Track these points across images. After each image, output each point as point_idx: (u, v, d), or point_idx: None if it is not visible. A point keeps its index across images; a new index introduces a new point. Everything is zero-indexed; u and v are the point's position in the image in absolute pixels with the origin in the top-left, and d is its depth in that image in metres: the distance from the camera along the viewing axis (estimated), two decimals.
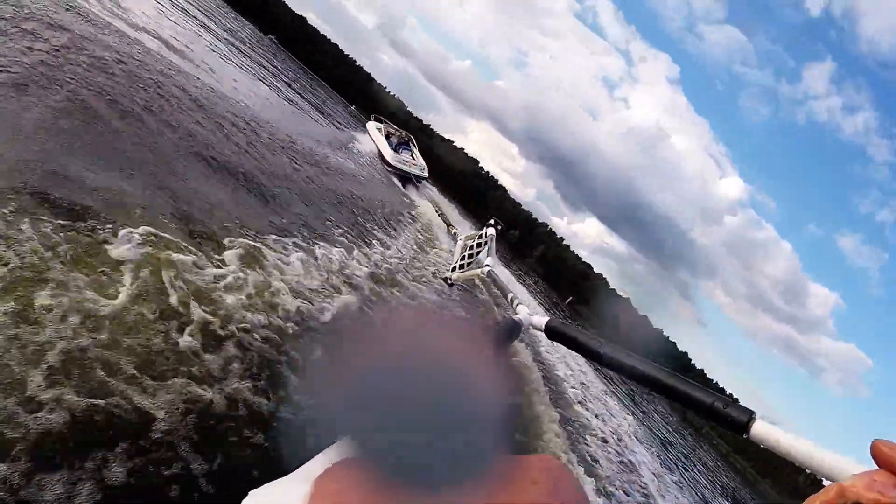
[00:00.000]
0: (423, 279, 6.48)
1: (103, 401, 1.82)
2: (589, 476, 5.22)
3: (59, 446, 1.60)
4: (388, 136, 20.00)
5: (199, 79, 6.70)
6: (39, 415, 1.62)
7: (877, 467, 0.45)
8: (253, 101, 9.06)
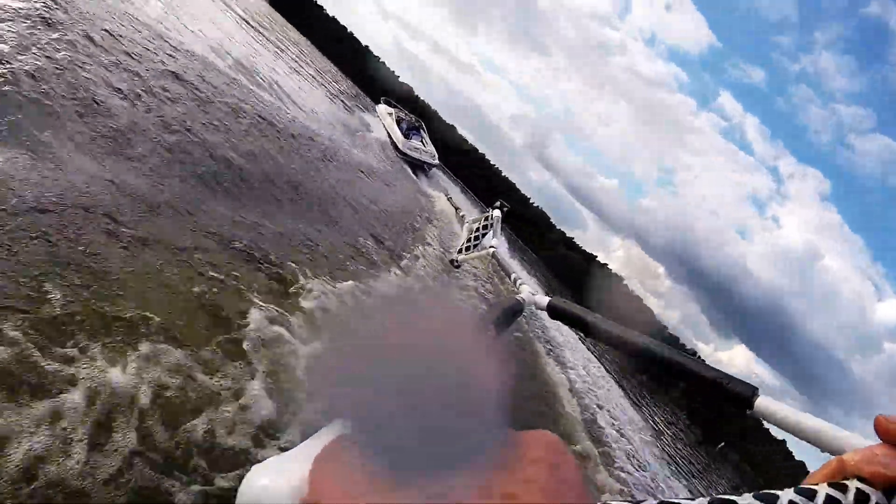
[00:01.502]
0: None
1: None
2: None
3: None
4: (398, 121, 19.68)
5: None
6: None
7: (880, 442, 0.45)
8: None
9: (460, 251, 5.25)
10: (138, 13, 6.51)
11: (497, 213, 5.30)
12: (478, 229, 5.29)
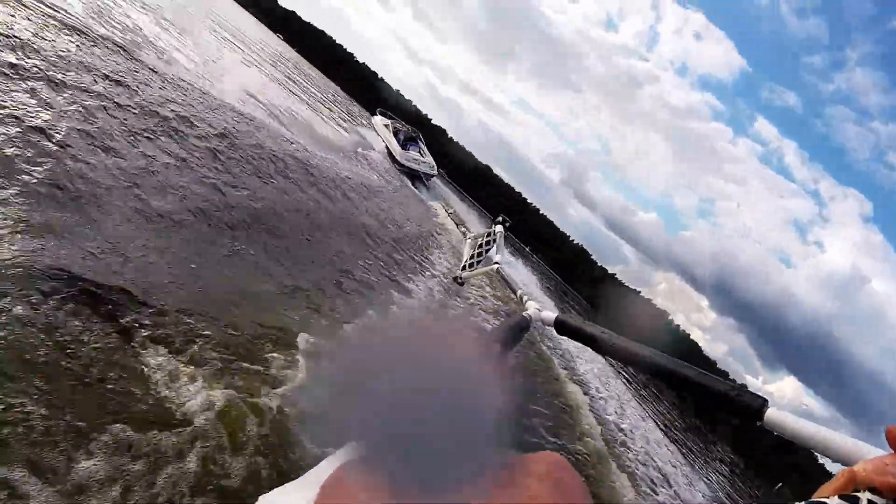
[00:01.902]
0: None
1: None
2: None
3: None
4: (395, 133, 19.61)
5: None
6: None
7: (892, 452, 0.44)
8: None
9: (464, 268, 5.23)
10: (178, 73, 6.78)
11: (500, 228, 5.30)
12: (481, 245, 5.28)
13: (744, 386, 0.94)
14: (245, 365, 2.68)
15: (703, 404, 0.99)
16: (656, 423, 12.98)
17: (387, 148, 18.34)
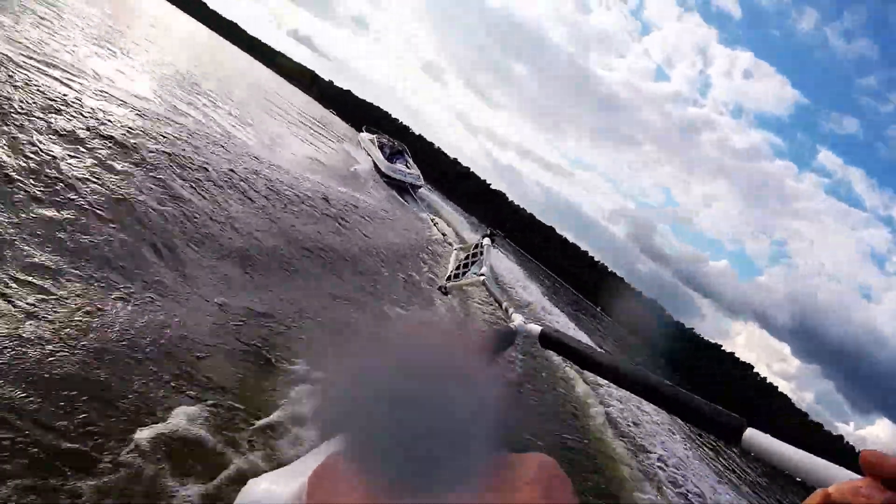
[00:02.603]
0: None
1: None
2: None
3: None
4: (381, 147, 19.86)
5: None
6: None
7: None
8: None
9: (449, 278, 5.24)
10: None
11: (487, 240, 5.34)
12: (467, 257, 5.31)
13: (722, 407, 0.96)
14: None
15: (686, 420, 1.00)
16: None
17: (373, 162, 18.56)
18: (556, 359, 7.13)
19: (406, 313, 4.61)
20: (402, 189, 17.95)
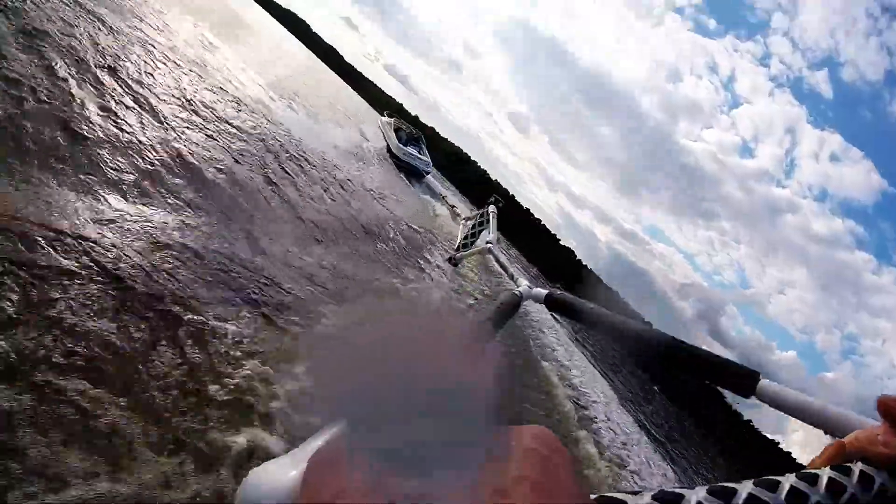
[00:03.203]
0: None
1: None
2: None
3: None
4: (397, 130, 20.02)
5: None
6: None
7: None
8: None
9: (458, 249, 5.26)
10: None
11: (492, 208, 5.30)
12: (474, 226, 5.29)
13: (734, 361, 0.94)
14: None
15: (698, 376, 0.98)
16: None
17: (386, 143, 18.71)
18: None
19: (406, 287, 4.69)
20: (411, 173, 18.09)
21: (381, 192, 9.86)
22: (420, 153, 19.73)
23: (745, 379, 0.86)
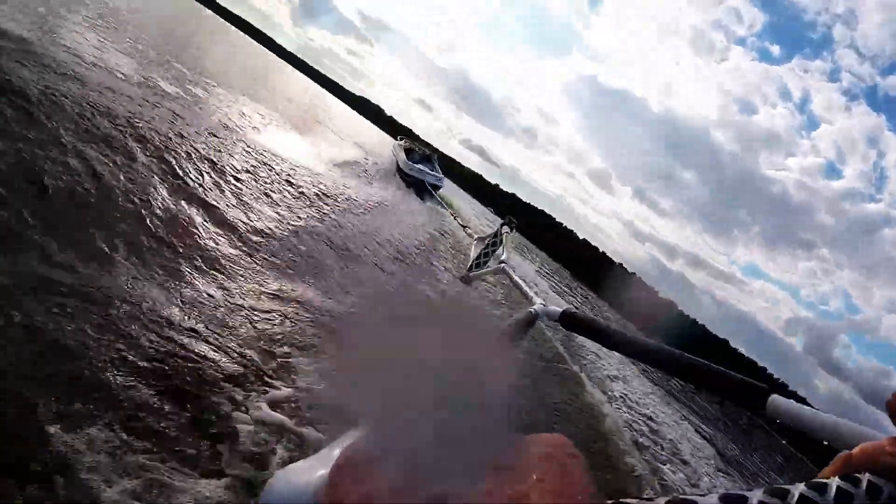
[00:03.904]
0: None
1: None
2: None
3: None
4: (408, 151, 20.84)
5: None
6: None
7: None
8: None
9: (471, 268, 5.26)
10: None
11: (506, 228, 5.31)
12: (487, 245, 5.30)
13: (744, 377, 0.96)
14: None
15: (710, 392, 1.00)
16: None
17: (396, 163, 19.15)
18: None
19: (427, 299, 4.71)
20: (422, 189, 18.23)
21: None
22: (431, 169, 20.04)
23: (755, 394, 0.87)
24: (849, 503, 0.38)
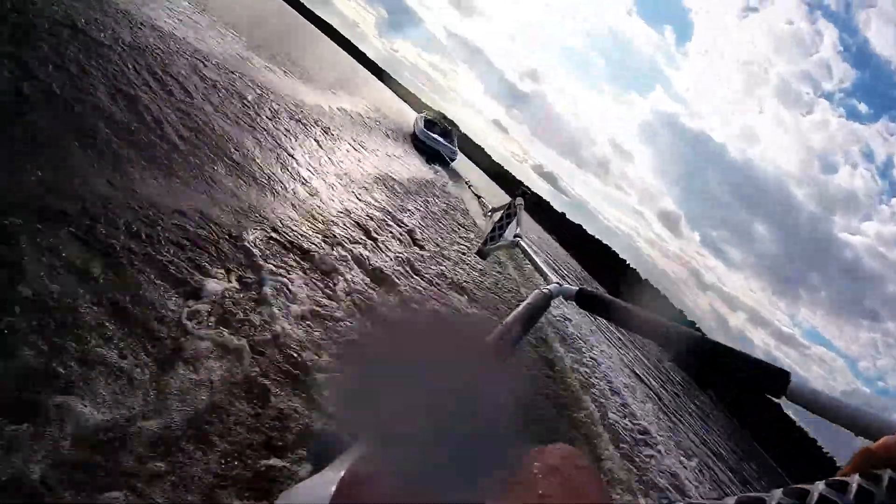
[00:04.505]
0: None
1: None
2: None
3: None
4: (430, 123, 20.74)
5: None
6: None
7: None
8: None
9: (485, 242, 5.23)
10: None
11: (520, 200, 5.25)
12: (501, 219, 5.25)
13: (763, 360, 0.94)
14: None
15: (729, 378, 0.98)
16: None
17: (413, 131, 19.23)
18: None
19: (433, 302, 4.61)
20: (432, 157, 18.24)
21: None
22: (448, 142, 19.98)
23: (776, 379, 0.86)
24: (870, 502, 0.37)
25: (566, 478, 0.39)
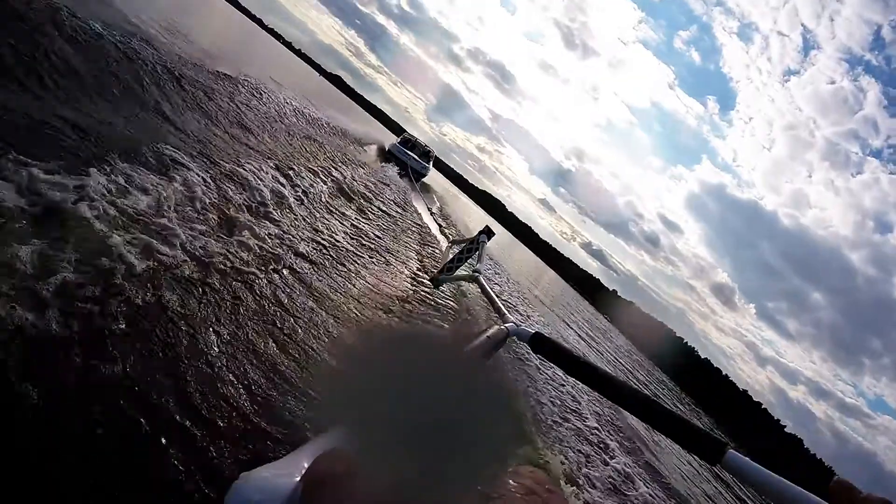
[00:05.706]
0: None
1: None
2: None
3: None
4: (405, 141, 22.12)
5: None
6: None
7: None
8: None
9: (441, 271, 5.22)
10: None
11: (484, 237, 5.31)
12: (463, 251, 5.28)
13: (704, 429, 0.98)
14: None
15: (669, 436, 1.02)
16: None
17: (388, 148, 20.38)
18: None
19: (399, 317, 4.56)
20: (403, 170, 19.08)
21: None
22: (420, 158, 21.19)
23: (712, 447, 0.90)
24: None
25: (542, 500, 0.38)
